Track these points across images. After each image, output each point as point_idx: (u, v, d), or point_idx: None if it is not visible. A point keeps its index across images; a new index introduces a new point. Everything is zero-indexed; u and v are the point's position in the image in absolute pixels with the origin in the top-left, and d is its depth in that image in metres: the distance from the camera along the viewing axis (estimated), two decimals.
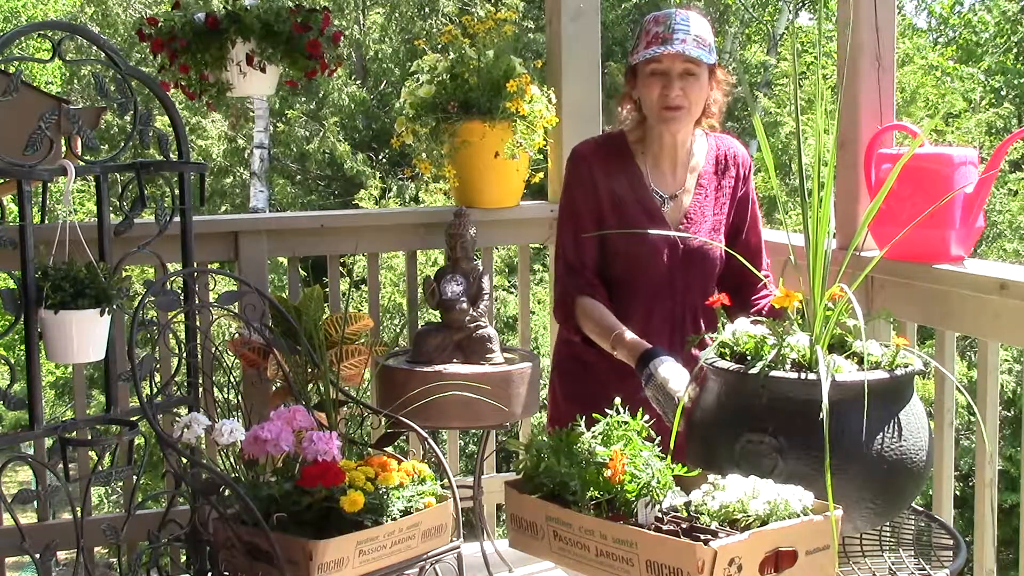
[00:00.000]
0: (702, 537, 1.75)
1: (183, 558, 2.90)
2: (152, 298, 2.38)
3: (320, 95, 12.89)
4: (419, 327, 3.22)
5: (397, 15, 13.17)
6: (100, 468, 2.36)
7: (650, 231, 2.58)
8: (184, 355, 2.53)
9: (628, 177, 2.63)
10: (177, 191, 2.58)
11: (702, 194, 2.66)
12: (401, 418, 2.55)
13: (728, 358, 2.10)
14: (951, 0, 16.76)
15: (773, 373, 1.97)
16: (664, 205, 2.63)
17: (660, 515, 1.88)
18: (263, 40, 3.10)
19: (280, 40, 3.10)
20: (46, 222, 4.19)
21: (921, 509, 2.29)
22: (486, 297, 3.15)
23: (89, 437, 2.44)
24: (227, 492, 2.19)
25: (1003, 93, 14.47)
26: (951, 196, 2.57)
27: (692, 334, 2.61)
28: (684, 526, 1.83)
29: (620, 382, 2.38)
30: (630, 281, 2.61)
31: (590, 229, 2.62)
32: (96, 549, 3.54)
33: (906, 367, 2.01)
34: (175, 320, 2.51)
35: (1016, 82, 14.71)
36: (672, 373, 2.34)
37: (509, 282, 9.92)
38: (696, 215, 2.64)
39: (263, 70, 3.13)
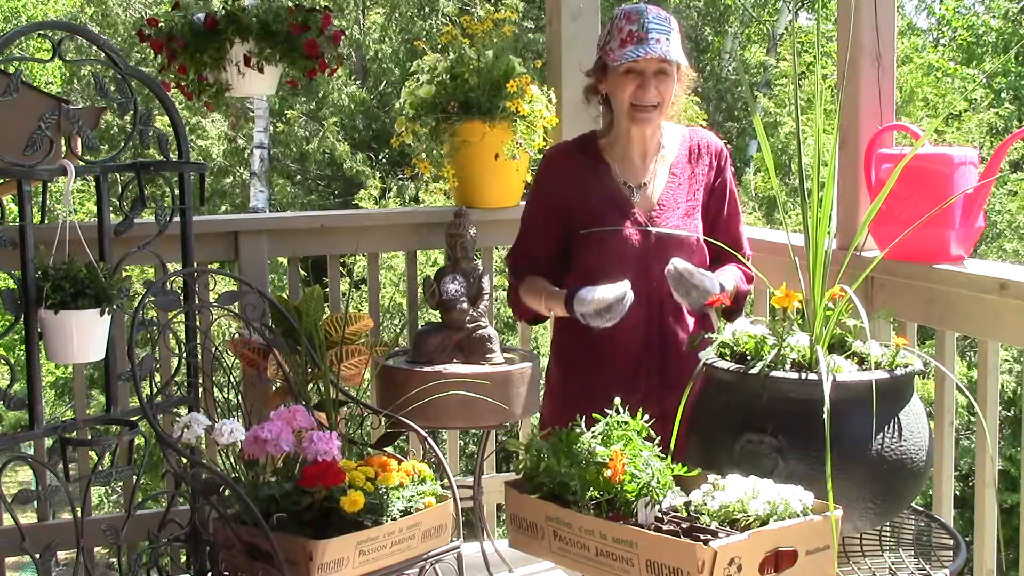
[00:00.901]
0: (702, 537, 1.75)
1: (183, 558, 2.90)
2: (152, 298, 2.37)
3: (320, 95, 12.89)
4: (419, 327, 3.22)
5: (397, 15, 13.17)
6: (100, 468, 2.36)
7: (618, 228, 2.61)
8: (184, 355, 2.53)
9: (596, 173, 2.68)
10: (177, 191, 2.58)
11: (674, 182, 2.69)
12: (401, 418, 2.55)
13: (728, 358, 2.10)
14: (955, 2, 16.76)
15: (773, 373, 1.97)
16: (634, 195, 2.66)
17: (660, 515, 1.88)
18: (261, 40, 3.09)
19: (278, 40, 3.10)
20: (46, 222, 4.19)
21: (921, 509, 2.29)
22: (486, 297, 3.15)
23: (89, 437, 2.44)
24: (227, 492, 2.19)
25: (1003, 95, 14.47)
26: (955, 199, 2.57)
27: (671, 322, 2.62)
28: (684, 526, 1.83)
29: (610, 385, 2.39)
30: (604, 273, 2.62)
31: (544, 228, 2.72)
32: (96, 549, 3.54)
33: (906, 367, 2.02)
34: (175, 320, 2.51)
35: (1018, 83, 14.71)
36: (595, 293, 2.48)
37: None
38: (668, 202, 2.67)
39: (261, 70, 3.13)
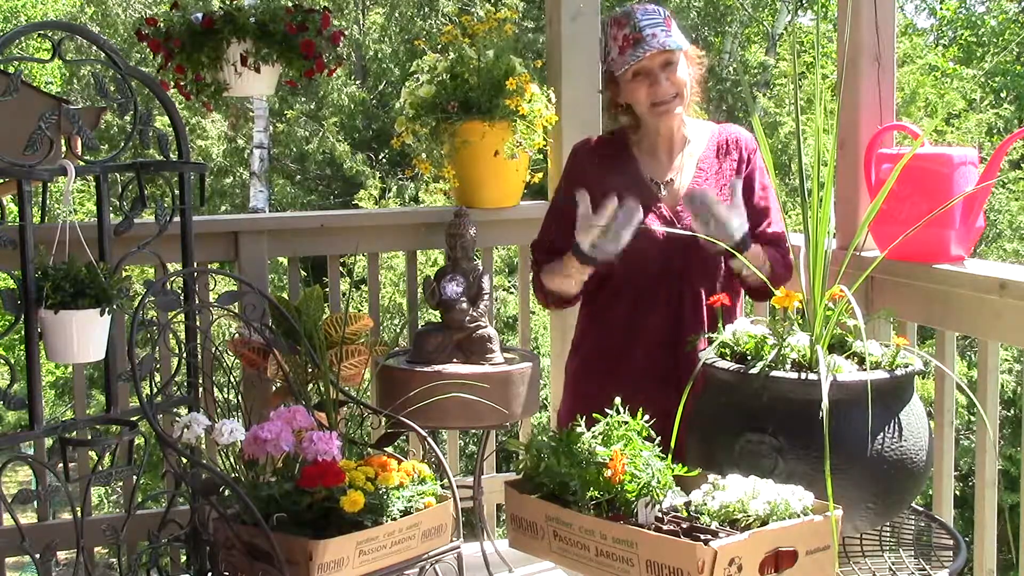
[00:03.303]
0: (702, 537, 1.75)
1: (183, 558, 2.90)
2: (152, 298, 2.37)
3: (320, 95, 12.89)
4: (419, 327, 3.22)
5: (397, 15, 13.17)
6: (100, 468, 2.36)
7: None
8: (184, 355, 2.53)
9: (622, 169, 2.66)
10: (177, 191, 2.58)
11: (701, 177, 2.66)
12: (401, 418, 2.55)
13: (728, 358, 2.10)
14: (957, 2, 16.77)
15: (773, 373, 1.97)
16: (660, 191, 2.65)
17: (660, 515, 1.88)
18: (258, 40, 3.09)
19: (275, 40, 3.10)
20: (46, 222, 4.19)
21: (921, 509, 2.29)
22: (486, 297, 3.15)
23: (89, 437, 2.44)
24: (227, 492, 2.19)
25: (1003, 95, 14.47)
26: (957, 200, 2.57)
27: (693, 317, 2.61)
28: (684, 526, 1.83)
29: (628, 386, 2.38)
30: (625, 270, 2.61)
31: (567, 220, 2.65)
32: (96, 549, 3.54)
33: (906, 367, 2.02)
34: (175, 320, 2.51)
35: (1018, 83, 14.71)
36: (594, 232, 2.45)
37: (509, 282, 9.92)
38: None
39: (258, 70, 3.13)
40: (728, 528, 1.81)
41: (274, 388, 2.97)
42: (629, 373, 2.61)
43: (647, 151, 2.69)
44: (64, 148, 2.63)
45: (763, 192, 2.67)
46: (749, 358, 2.06)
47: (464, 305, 3.07)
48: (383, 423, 2.60)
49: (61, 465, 2.37)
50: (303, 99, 13.07)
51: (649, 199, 2.62)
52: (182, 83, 3.18)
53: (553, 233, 2.72)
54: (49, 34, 2.91)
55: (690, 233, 2.55)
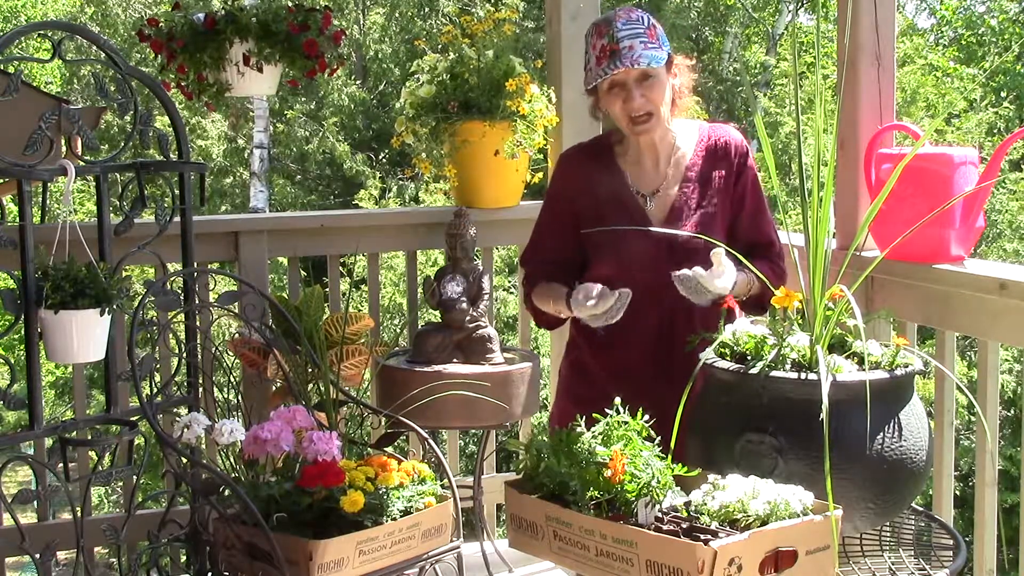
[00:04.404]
0: (702, 537, 1.75)
1: (183, 558, 2.90)
2: (152, 298, 2.38)
3: (320, 95, 12.90)
4: (419, 327, 3.22)
5: (397, 15, 13.18)
6: (100, 468, 2.36)
7: (624, 227, 2.58)
8: (184, 355, 2.53)
9: (609, 180, 2.63)
10: (177, 191, 2.58)
11: (689, 187, 2.61)
12: (401, 418, 2.55)
13: (728, 358, 2.10)
14: (958, 2, 16.78)
15: (773, 373, 1.97)
16: (647, 204, 2.61)
17: (660, 515, 1.88)
18: (260, 40, 3.10)
19: (277, 40, 3.10)
20: (46, 222, 4.19)
21: (921, 509, 2.29)
22: (486, 297, 3.15)
23: (89, 437, 2.44)
24: (227, 492, 2.19)
25: (1003, 95, 14.48)
26: (957, 199, 2.57)
27: (684, 331, 2.60)
28: (684, 526, 1.83)
29: (619, 388, 2.39)
30: (618, 272, 2.60)
31: (555, 232, 2.69)
32: (96, 549, 3.54)
33: (906, 367, 2.02)
34: (175, 320, 2.51)
35: (1018, 83, 14.71)
36: (589, 301, 2.43)
37: (509, 282, 9.92)
38: (682, 209, 2.60)
39: (260, 70, 3.13)
40: (728, 528, 1.81)
41: (274, 388, 2.97)
42: (622, 374, 2.60)
43: (632, 161, 2.65)
44: (64, 148, 2.63)
45: (755, 202, 2.65)
46: (749, 358, 2.06)
47: (464, 305, 3.07)
48: (383, 423, 2.60)
49: (61, 465, 2.38)
50: (303, 99, 13.07)
51: (635, 213, 2.60)
52: (184, 83, 3.18)
53: (543, 250, 2.73)
54: (49, 34, 2.91)
55: (686, 233, 2.54)
